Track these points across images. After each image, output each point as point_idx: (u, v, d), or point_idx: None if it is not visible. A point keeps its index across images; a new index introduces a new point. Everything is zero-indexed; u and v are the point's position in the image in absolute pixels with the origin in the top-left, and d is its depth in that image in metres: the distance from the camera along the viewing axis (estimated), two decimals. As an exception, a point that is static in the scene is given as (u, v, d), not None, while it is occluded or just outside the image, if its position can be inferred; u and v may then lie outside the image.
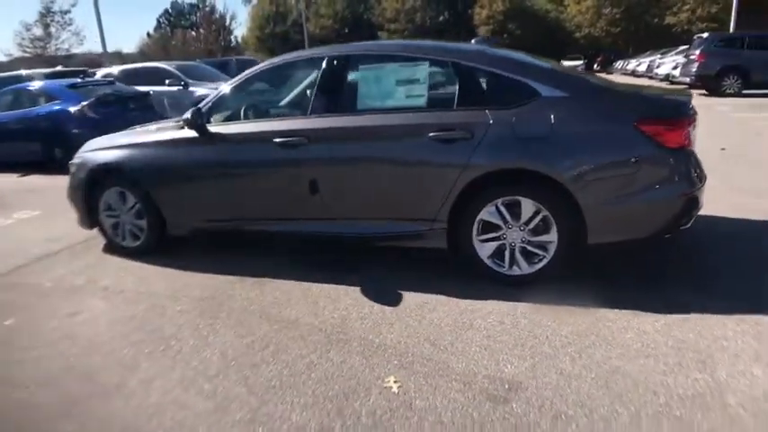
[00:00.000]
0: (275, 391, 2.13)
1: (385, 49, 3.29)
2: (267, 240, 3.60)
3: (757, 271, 3.02)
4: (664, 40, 40.21)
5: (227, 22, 49.71)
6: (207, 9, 49.70)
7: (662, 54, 25.86)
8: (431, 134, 2.85)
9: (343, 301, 2.90)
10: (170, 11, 55.09)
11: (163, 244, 3.75)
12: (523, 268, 2.90)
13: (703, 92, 13.55)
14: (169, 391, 2.18)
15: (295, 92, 3.60)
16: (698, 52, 13.75)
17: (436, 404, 2.00)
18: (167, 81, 9.45)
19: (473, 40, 3.49)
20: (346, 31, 47.16)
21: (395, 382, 2.14)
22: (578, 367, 2.19)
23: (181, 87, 9.55)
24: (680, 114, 2.70)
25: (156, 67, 10.31)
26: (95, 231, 4.04)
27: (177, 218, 3.58)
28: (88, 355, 2.52)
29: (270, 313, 2.82)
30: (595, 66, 39.18)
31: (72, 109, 6.86)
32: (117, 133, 4.01)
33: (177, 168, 3.45)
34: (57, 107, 6.99)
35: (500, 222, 2.87)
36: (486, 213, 2.87)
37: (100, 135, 6.56)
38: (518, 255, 2.89)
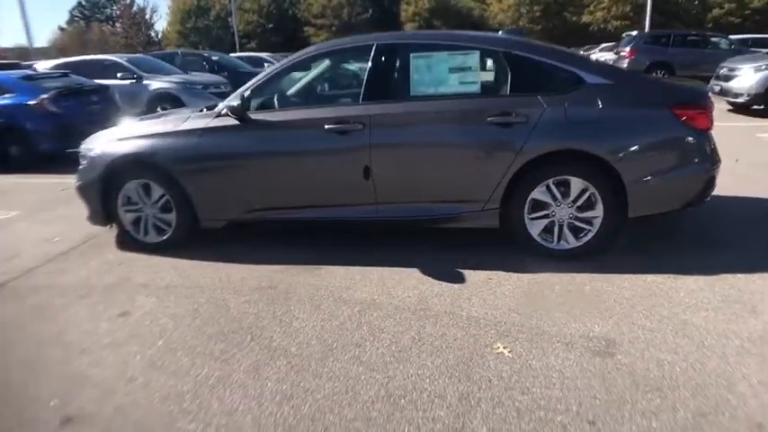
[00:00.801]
0: (395, 366, 2.21)
1: (434, 38, 3.40)
2: (311, 228, 3.59)
3: (750, 234, 3.49)
4: (582, 38, 43.16)
5: (148, 16, 47.02)
6: (126, 2, 46.63)
7: (585, 51, 27.79)
8: (489, 119, 3.02)
9: (408, 282, 2.99)
10: (84, 3, 51.04)
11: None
12: (571, 242, 3.15)
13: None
14: (284, 379, 2.17)
15: (343, 78, 3.61)
16: (628, 49, 14.88)
17: (552, 363, 2.17)
18: (119, 74, 8.90)
19: (500, 32, 3.67)
20: (270, 26, 46.41)
21: (504, 347, 2.29)
22: (654, 322, 2.46)
23: (134, 81, 9.03)
24: (705, 101, 3.06)
25: (103, 60, 9.65)
26: (94, 229, 3.88)
27: (213, 210, 3.49)
28: (169, 352, 2.42)
29: (342, 297, 2.86)
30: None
31: (30, 102, 6.30)
32: (132, 123, 3.82)
33: (217, 158, 3.36)
34: (11, 101, 6.38)
35: (550, 201, 3.09)
36: (538, 193, 3.08)
37: (62, 131, 6.23)
38: (566, 230, 3.13)
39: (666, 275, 2.92)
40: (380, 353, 2.31)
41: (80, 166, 3.76)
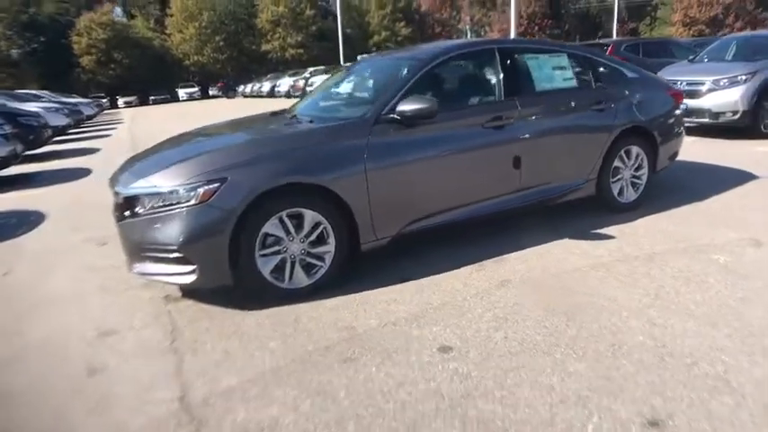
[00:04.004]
0: (701, 289, 2.79)
1: (534, 43, 3.92)
2: (461, 227, 3.54)
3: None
4: (263, 65, 46.05)
5: None
6: None
7: (290, 76, 30.28)
8: (592, 107, 3.78)
9: (584, 247, 3.47)
10: None
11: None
12: (632, 196, 4.19)
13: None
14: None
15: (480, 78, 3.63)
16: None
17: (754, 256, 3.16)
18: None
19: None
20: None
21: (719, 258, 3.15)
22: (749, 225, 3.71)
23: None
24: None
25: None
26: (144, 302, 3.08)
27: (379, 227, 3.09)
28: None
29: (565, 268, 3.15)
30: (216, 91, 41.45)
31: None
32: (236, 142, 3.06)
33: (388, 166, 3.04)
34: None
35: (622, 165, 4.06)
36: (616, 161, 4.01)
37: None
38: (630, 187, 4.16)
39: (709, 201, 4.26)
40: (679, 285, 2.85)
41: (162, 214, 2.71)
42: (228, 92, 39.28)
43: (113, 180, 3.16)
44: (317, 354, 2.40)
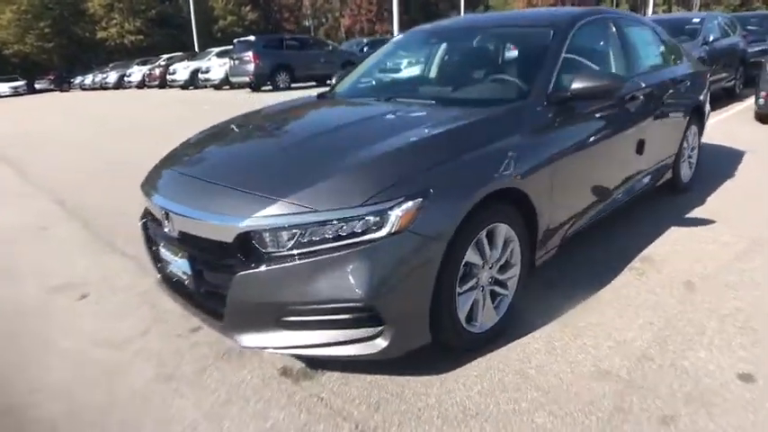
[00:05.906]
0: None
1: (627, 14, 3.60)
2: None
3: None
4: (99, 54, 40.37)
5: None
6: None
7: (139, 65, 26.92)
8: (677, 84, 3.62)
9: (703, 234, 3.30)
10: None
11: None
12: (688, 175, 4.15)
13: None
14: None
15: (606, 51, 3.08)
16: (251, 54, 15.34)
17: None
18: None
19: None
20: None
21: None
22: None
23: None
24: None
25: None
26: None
27: (551, 236, 2.52)
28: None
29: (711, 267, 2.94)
30: (46, 84, 35.11)
31: None
32: (393, 136, 2.13)
33: (564, 159, 2.45)
34: None
35: (686, 145, 3.98)
36: (684, 142, 3.90)
37: None
38: (687, 166, 4.10)
39: (735, 178, 4.40)
40: None
41: (326, 255, 1.77)
42: (63, 84, 33.42)
43: (182, 202, 2.05)
44: (620, 419, 1.78)
